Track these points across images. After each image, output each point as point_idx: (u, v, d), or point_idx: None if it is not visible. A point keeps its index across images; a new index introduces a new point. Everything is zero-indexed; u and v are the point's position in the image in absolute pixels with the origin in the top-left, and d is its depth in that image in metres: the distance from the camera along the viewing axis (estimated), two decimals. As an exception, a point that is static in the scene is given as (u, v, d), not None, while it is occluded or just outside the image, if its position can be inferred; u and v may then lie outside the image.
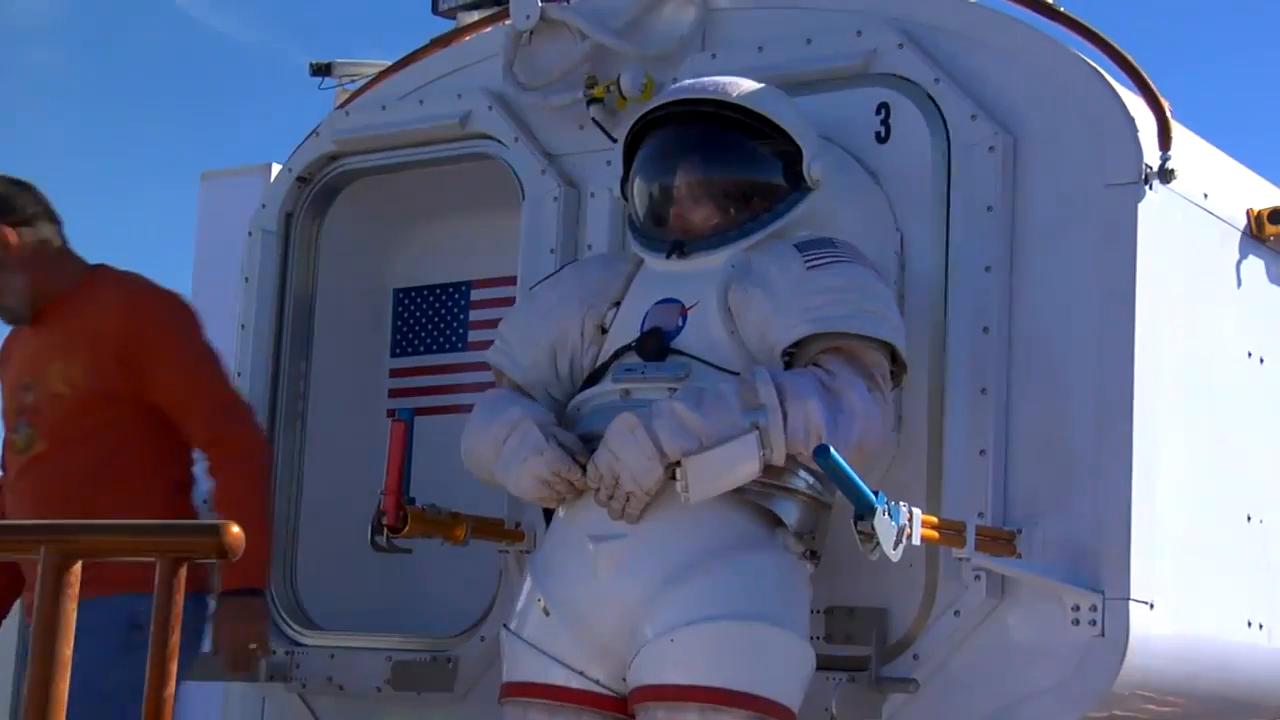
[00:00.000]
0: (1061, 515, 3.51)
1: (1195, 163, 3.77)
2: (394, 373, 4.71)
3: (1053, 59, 3.71)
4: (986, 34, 3.76)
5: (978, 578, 3.50)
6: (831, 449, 3.12)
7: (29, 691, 2.29)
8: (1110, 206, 3.57)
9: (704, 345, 3.36)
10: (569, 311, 3.54)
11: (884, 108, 3.68)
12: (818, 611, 3.50)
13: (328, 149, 4.47)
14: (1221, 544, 3.82)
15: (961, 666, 3.53)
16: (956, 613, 3.52)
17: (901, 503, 3.18)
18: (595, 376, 3.47)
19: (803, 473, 3.30)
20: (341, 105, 4.62)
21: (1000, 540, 3.48)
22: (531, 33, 4.02)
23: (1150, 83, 3.66)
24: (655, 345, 3.38)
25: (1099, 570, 3.44)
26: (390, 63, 4.56)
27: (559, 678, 3.31)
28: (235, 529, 2.32)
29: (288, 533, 4.44)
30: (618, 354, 3.44)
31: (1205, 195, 3.81)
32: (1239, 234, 3.96)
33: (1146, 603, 3.45)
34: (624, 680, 3.27)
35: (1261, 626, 3.89)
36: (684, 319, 3.41)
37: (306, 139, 4.52)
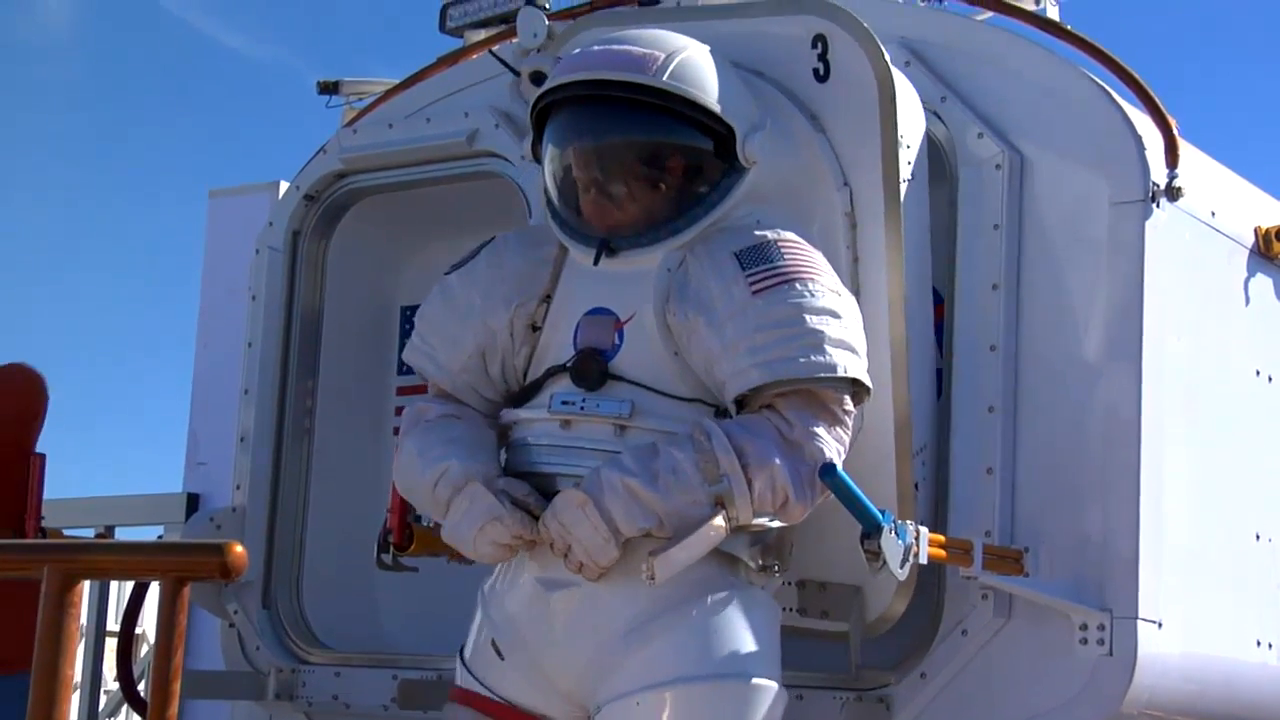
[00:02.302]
0: (1069, 534, 3.49)
1: (1202, 180, 3.76)
2: (400, 390, 4.70)
3: (1059, 77, 3.70)
4: (992, 52, 3.75)
5: (985, 597, 3.49)
6: (838, 468, 3.09)
7: (32, 708, 2.30)
8: (1117, 225, 3.56)
9: (645, 369, 3.14)
10: (494, 312, 3.27)
11: (820, 41, 3.40)
12: (789, 584, 3.40)
13: (335, 167, 4.48)
14: (1230, 563, 3.81)
15: (969, 685, 3.51)
16: (964, 631, 3.52)
17: (909, 521, 3.15)
18: (529, 391, 3.26)
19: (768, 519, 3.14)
20: (349, 123, 4.62)
21: (1007, 559, 3.47)
22: (539, 50, 4.02)
23: (1157, 100, 3.65)
24: (593, 372, 3.15)
25: (1106, 589, 3.43)
26: (397, 81, 4.56)
27: (504, 704, 3.22)
28: (239, 547, 2.32)
29: (294, 550, 4.44)
30: (552, 373, 3.21)
31: (1213, 213, 3.81)
32: (1247, 251, 3.95)
33: (1154, 622, 3.44)
34: (585, 717, 3.17)
35: (1271, 646, 3.88)
36: (620, 335, 3.17)
37: (314, 157, 4.52)
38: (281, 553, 4.41)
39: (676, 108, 3.17)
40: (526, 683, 3.19)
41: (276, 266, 4.49)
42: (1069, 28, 3.84)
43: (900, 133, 3.35)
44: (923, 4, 3.93)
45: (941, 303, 3.63)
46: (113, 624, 5.64)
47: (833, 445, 3.06)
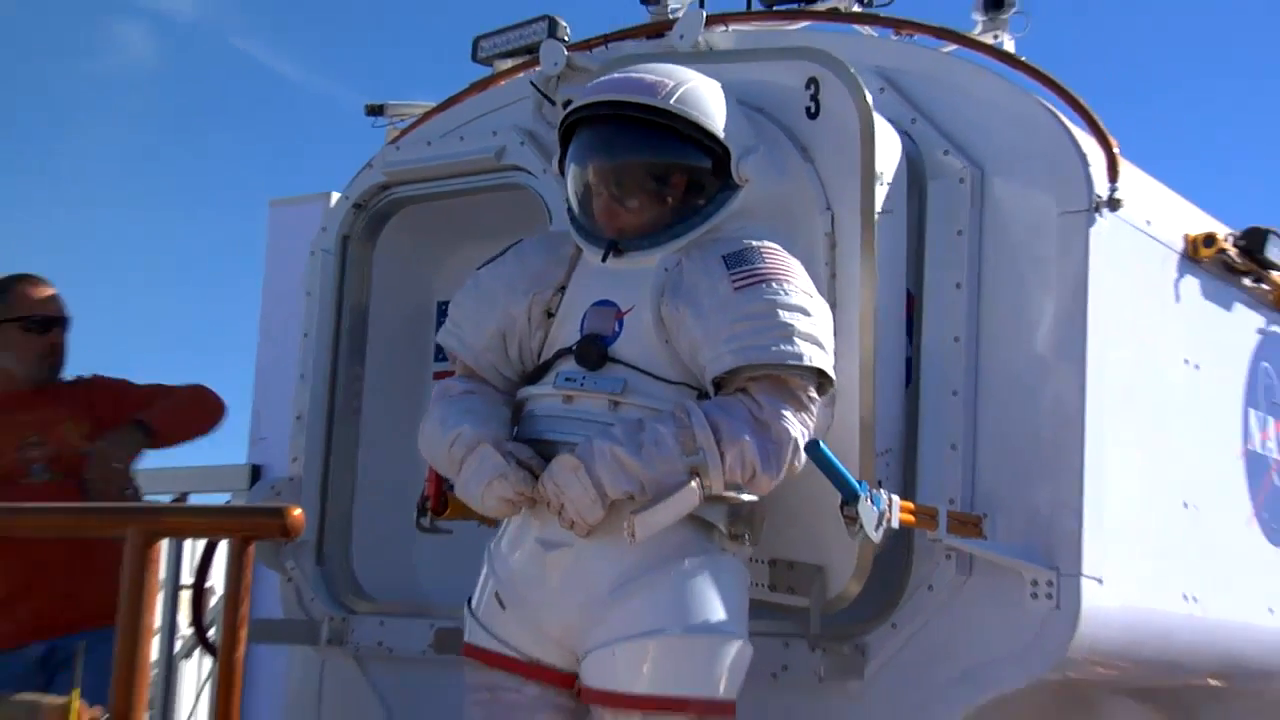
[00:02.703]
0: (1022, 502, 3.47)
1: (1139, 193, 3.74)
2: (437, 375, 4.66)
3: (1015, 102, 3.67)
4: (957, 80, 3.72)
5: (948, 557, 3.47)
6: (821, 443, 3.07)
7: (119, 653, 2.28)
8: (1065, 232, 3.53)
9: (640, 354, 3.14)
10: (515, 299, 3.28)
11: (813, 84, 3.40)
12: (760, 561, 3.36)
13: (380, 179, 4.46)
14: (1161, 527, 3.79)
15: (934, 635, 3.49)
16: (930, 587, 3.50)
17: (882, 490, 3.15)
18: (540, 371, 3.26)
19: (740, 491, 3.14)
20: (392, 141, 4.60)
21: (968, 524, 3.45)
22: (558, 77, 3.99)
23: (1100, 123, 3.63)
24: (593, 354, 3.15)
25: (1055, 550, 3.41)
26: (435, 104, 4.54)
27: (508, 654, 3.21)
28: (297, 511, 2.30)
29: (343, 515, 4.43)
30: (561, 354, 3.22)
31: (1148, 222, 3.78)
32: (1177, 256, 3.93)
33: (1096, 578, 3.42)
34: (575, 661, 3.15)
35: (1196, 600, 3.85)
36: (620, 324, 3.18)
37: (361, 171, 4.50)
38: (333, 516, 4.40)
39: (680, 128, 3.18)
40: (524, 631, 3.19)
41: (329, 267, 4.48)
42: (1023, 59, 3.81)
43: (879, 169, 3.34)
44: (895, 38, 3.90)
45: (912, 299, 3.60)
46: (186, 578, 5.63)
47: (798, 426, 3.06)
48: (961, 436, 3.51)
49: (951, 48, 3.85)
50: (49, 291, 4.56)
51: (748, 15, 4.04)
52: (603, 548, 3.06)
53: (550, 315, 3.29)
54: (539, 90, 3.94)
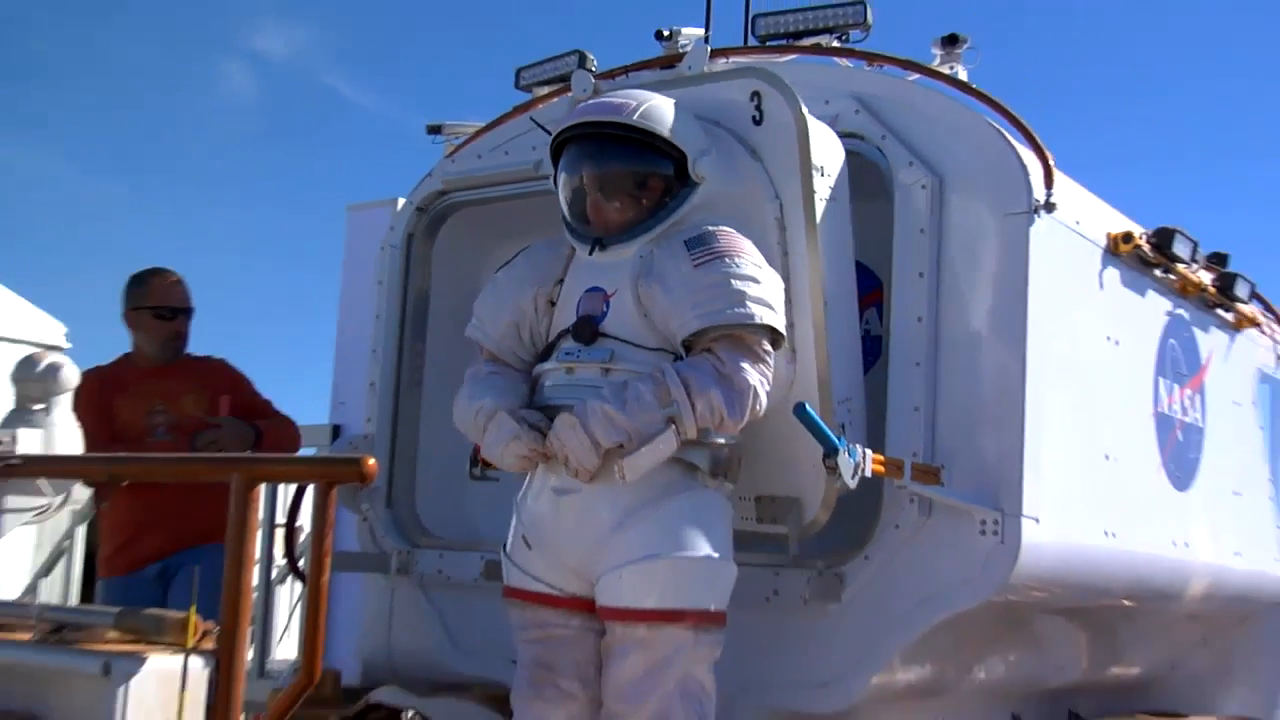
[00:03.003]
0: (973, 455, 3.46)
1: (1069, 198, 3.71)
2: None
3: (967, 122, 3.65)
4: (919, 104, 3.70)
5: (912, 501, 3.46)
6: (806, 405, 3.06)
7: (226, 579, 2.26)
8: (1009, 231, 3.51)
9: (624, 327, 3.14)
10: (524, 294, 3.30)
11: (756, 96, 3.35)
12: (745, 498, 3.35)
13: (438, 187, 4.43)
14: (1086, 475, 3.77)
15: (900, 566, 3.48)
16: (897, 526, 3.49)
17: (857, 445, 3.15)
18: (548, 350, 3.26)
19: (712, 435, 3.12)
20: (448, 155, 4.57)
21: (929, 473, 3.44)
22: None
23: (1037, 138, 3.61)
24: (587, 331, 3.16)
25: (999, 495, 3.40)
26: (484, 124, 4.52)
27: (542, 589, 3.20)
28: (371, 461, 2.28)
29: (408, 466, 4.41)
30: (562, 334, 3.22)
31: (1077, 222, 3.76)
32: (1101, 251, 3.90)
33: (1034, 518, 3.41)
34: (592, 589, 3.14)
35: (1114, 535, 3.84)
36: (607, 305, 3.17)
37: (423, 180, 4.48)
38: (399, 468, 4.39)
39: (644, 139, 3.20)
40: (548, 565, 3.19)
41: (395, 260, 4.45)
42: (974, 86, 3.79)
43: (819, 163, 3.32)
44: (868, 68, 3.85)
45: (881, 286, 3.56)
46: (279, 518, 5.61)
47: (756, 376, 3.07)
48: (923, 400, 3.49)
49: (915, 76, 3.82)
50: (177, 285, 4.58)
51: (744, 50, 3.99)
52: (604, 491, 3.07)
53: (552, 304, 3.30)
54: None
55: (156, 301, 4.52)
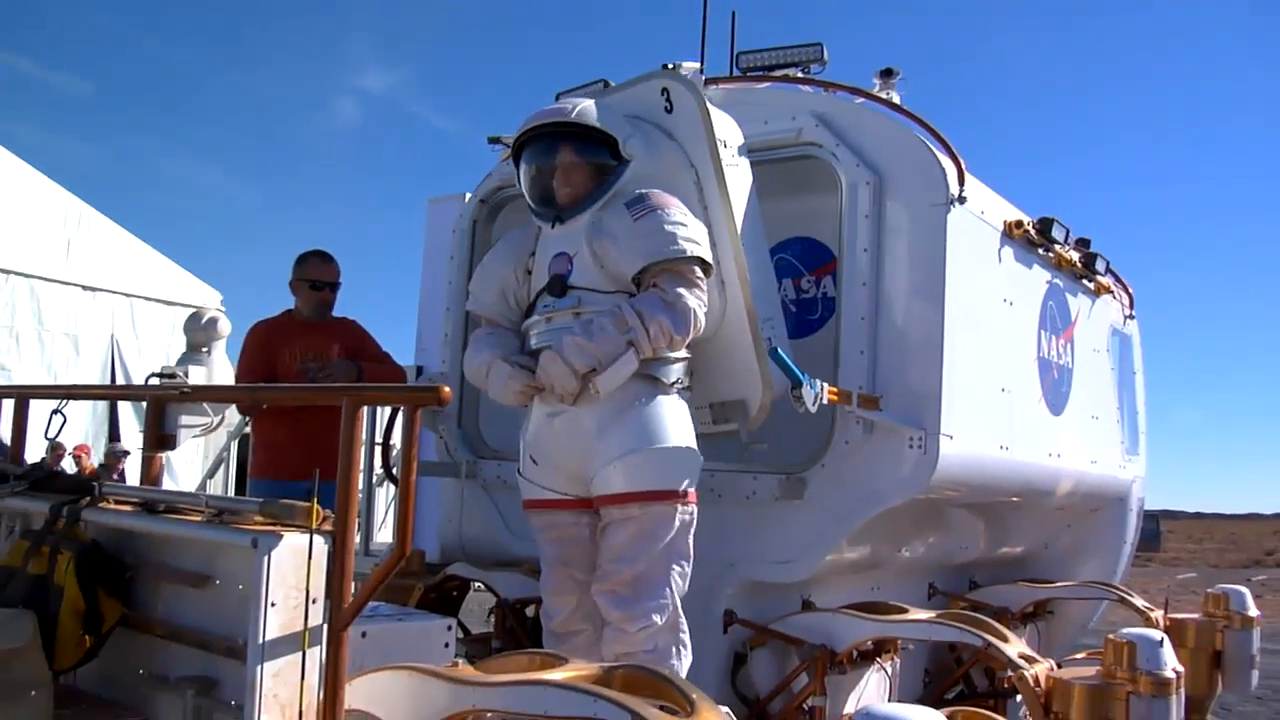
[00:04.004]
0: (904, 387, 3.34)
1: (977, 193, 3.58)
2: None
3: (900, 134, 3.50)
4: (865, 120, 3.55)
5: (858, 422, 3.34)
6: (779, 349, 2.92)
7: (339, 481, 2.14)
8: (931, 217, 3.37)
9: (587, 279, 2.99)
10: (505, 268, 3.16)
11: (665, 91, 3.20)
12: (701, 407, 3.17)
13: (496, 184, 4.26)
14: (988, 403, 3.65)
15: (848, 471, 3.38)
16: (846, 442, 3.37)
17: (817, 379, 3.03)
18: (530, 309, 3.10)
19: (665, 351, 2.97)
20: (504, 159, 4.40)
21: (870, 401, 3.32)
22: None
23: (953, 148, 3.48)
24: (558, 287, 3.01)
25: (923, 417, 3.29)
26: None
27: (552, 496, 3.05)
28: (447, 389, 2.16)
29: (474, 397, 4.26)
30: (539, 294, 3.07)
31: (982, 212, 3.61)
32: (999, 234, 3.76)
33: (949, 435, 3.30)
34: (590, 490, 2.99)
35: (1007, 449, 3.73)
36: (571, 263, 3.02)
37: (484, 178, 4.31)
38: (467, 397, 4.26)
39: (582, 131, 3.07)
40: (552, 476, 3.04)
41: (464, 240, 4.30)
42: (905, 108, 3.64)
43: (722, 137, 3.17)
44: (825, 94, 3.69)
45: (835, 258, 3.41)
46: (378, 436, 5.50)
47: (694, 300, 2.93)
48: (866, 346, 3.37)
49: (861, 100, 3.67)
50: (329, 263, 4.49)
51: (730, 79, 3.83)
52: (587, 408, 2.93)
53: (529, 273, 3.15)
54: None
55: (312, 276, 4.46)
